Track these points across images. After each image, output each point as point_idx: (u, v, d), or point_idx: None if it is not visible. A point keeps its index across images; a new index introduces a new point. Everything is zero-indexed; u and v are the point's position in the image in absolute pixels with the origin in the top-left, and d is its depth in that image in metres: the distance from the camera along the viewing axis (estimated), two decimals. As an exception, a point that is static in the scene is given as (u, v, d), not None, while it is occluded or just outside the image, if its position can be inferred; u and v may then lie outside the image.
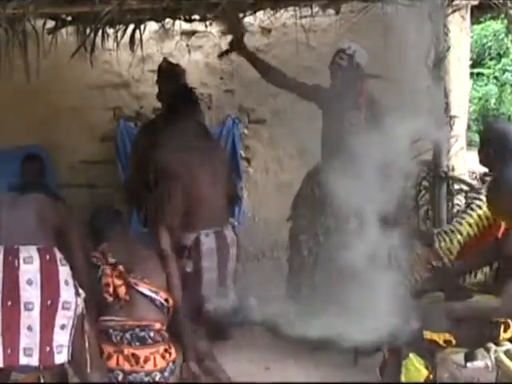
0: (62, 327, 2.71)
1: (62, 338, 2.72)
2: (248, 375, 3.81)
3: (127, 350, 2.87)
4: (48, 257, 2.71)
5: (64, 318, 2.71)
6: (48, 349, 2.69)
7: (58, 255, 2.75)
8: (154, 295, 2.95)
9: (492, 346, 3.18)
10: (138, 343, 2.87)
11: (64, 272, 2.74)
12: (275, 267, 5.58)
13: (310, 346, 3.92)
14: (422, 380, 3.05)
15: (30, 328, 2.65)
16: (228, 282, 3.89)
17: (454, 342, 3.10)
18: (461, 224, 3.60)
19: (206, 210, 3.63)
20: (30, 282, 2.65)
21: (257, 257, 5.63)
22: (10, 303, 2.64)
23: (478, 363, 3.91)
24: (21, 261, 2.66)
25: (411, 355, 3.03)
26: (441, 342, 3.07)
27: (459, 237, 3.60)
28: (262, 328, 4.70)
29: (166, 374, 2.93)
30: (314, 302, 4.17)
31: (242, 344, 4.38)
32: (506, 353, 3.13)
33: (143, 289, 2.94)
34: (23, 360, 2.67)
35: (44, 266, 2.68)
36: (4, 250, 2.68)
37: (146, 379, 2.88)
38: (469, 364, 3.96)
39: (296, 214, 4.35)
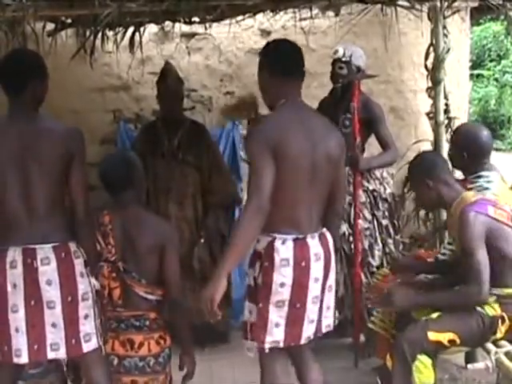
0: (86, 317, 2.81)
1: (87, 326, 2.81)
2: (248, 376, 3.81)
3: (123, 336, 2.92)
4: (63, 254, 2.76)
5: (85, 308, 2.80)
6: (74, 341, 2.77)
7: (72, 248, 2.79)
8: (149, 296, 2.96)
9: (492, 347, 3.18)
10: (133, 330, 2.91)
11: (79, 264, 2.80)
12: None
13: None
14: (433, 380, 3.05)
15: (54, 325, 2.74)
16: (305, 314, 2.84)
17: (458, 341, 3.09)
18: None
19: (288, 208, 2.77)
20: (49, 283, 2.72)
21: (257, 259, 5.63)
22: (33, 303, 2.72)
23: (479, 364, 3.93)
24: (38, 262, 2.72)
25: (420, 357, 3.01)
26: (445, 342, 3.07)
27: None
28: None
29: (161, 359, 2.96)
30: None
31: (243, 347, 4.38)
32: (507, 354, 3.14)
33: (139, 291, 2.94)
34: (51, 354, 2.77)
35: (60, 264, 2.74)
36: (22, 251, 2.72)
37: (141, 364, 2.92)
38: (469, 365, 3.98)
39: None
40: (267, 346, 2.79)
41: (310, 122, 2.82)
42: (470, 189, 3.54)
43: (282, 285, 2.75)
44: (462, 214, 3.12)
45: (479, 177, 3.54)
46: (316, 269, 2.81)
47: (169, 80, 4.46)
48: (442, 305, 3.14)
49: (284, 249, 2.76)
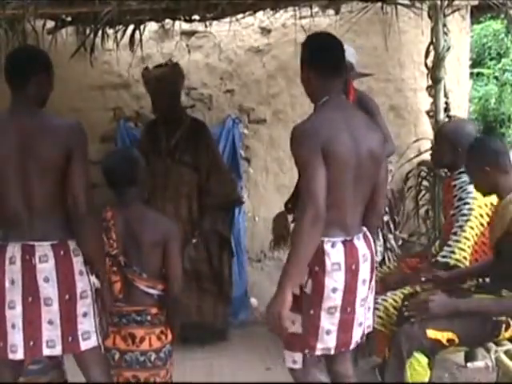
0: (85, 315, 2.80)
1: (86, 324, 2.80)
2: (248, 376, 3.82)
3: (124, 331, 2.92)
4: (62, 252, 2.75)
5: (84, 306, 2.79)
6: (71, 338, 2.77)
7: (72, 246, 2.78)
8: (150, 290, 2.97)
9: (492, 346, 3.17)
10: (134, 324, 2.92)
11: (78, 262, 2.78)
12: (276, 267, 5.59)
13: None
14: (427, 380, 3.03)
15: (50, 322, 2.74)
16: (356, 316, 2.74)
17: (457, 341, 3.08)
18: (464, 231, 3.56)
19: (335, 210, 2.63)
20: (46, 280, 2.72)
21: (258, 257, 5.64)
22: (30, 299, 2.72)
23: (479, 363, 3.93)
24: (37, 259, 2.71)
25: (416, 354, 3.00)
26: (444, 341, 3.05)
27: (468, 243, 3.55)
28: (263, 328, 4.72)
29: (162, 354, 2.96)
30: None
31: (242, 345, 4.39)
32: (507, 353, 3.13)
33: (140, 285, 2.95)
34: (46, 351, 2.77)
35: (59, 262, 2.73)
36: (21, 248, 2.73)
37: (142, 358, 2.92)
38: (469, 364, 3.98)
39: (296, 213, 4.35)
40: (318, 353, 2.71)
41: (353, 120, 2.72)
42: (454, 186, 3.53)
43: (334, 290, 2.63)
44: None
45: (463, 172, 3.51)
46: (364, 270, 2.70)
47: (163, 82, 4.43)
48: (484, 312, 3.04)
49: (335, 252, 2.63)
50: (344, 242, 2.66)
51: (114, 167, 3.04)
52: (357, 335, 2.77)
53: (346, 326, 2.70)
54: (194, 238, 4.41)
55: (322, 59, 2.73)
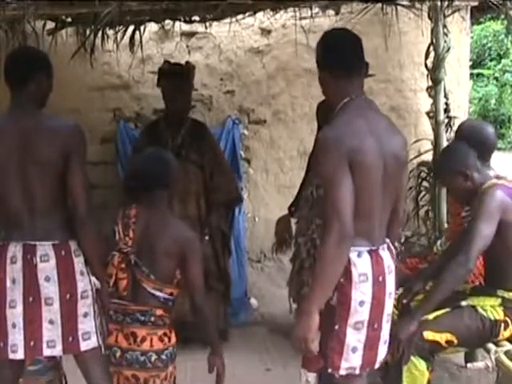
0: (85, 315, 2.82)
1: (87, 325, 2.82)
2: (248, 376, 3.82)
3: (127, 329, 2.91)
4: (63, 252, 2.76)
5: (84, 306, 2.81)
6: (71, 339, 2.78)
7: (73, 247, 2.80)
8: (157, 293, 2.96)
9: (492, 346, 3.18)
10: (138, 324, 2.91)
11: (79, 263, 2.81)
12: (276, 268, 5.59)
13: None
14: (425, 383, 3.03)
15: (51, 322, 2.75)
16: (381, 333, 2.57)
17: (455, 342, 3.08)
18: None
19: (361, 219, 2.45)
20: (47, 279, 2.73)
21: (257, 257, 5.64)
22: (31, 299, 2.73)
23: (478, 364, 3.93)
24: (38, 259, 2.73)
25: (413, 358, 2.98)
26: (443, 343, 3.05)
27: None
28: (263, 329, 4.72)
29: (164, 356, 2.93)
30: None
31: (242, 345, 4.39)
32: (507, 353, 3.13)
33: (147, 286, 2.94)
34: (47, 351, 2.78)
35: (60, 262, 2.75)
36: (23, 247, 2.74)
37: (142, 358, 2.90)
38: (469, 364, 3.98)
39: (298, 216, 4.36)
40: (342, 372, 2.49)
41: (377, 123, 2.52)
42: None
43: (362, 303, 2.44)
44: (489, 188, 3.07)
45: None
46: (390, 283, 2.52)
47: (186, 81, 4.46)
48: (438, 300, 3.01)
49: (361, 262, 2.44)
50: (370, 252, 2.48)
51: (150, 166, 2.99)
52: (382, 354, 2.59)
53: (372, 343, 2.51)
54: (205, 235, 4.41)
55: (337, 59, 2.56)
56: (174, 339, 3.00)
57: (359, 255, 2.45)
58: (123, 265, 2.90)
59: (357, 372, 2.52)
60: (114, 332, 2.92)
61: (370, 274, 2.45)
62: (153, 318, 2.94)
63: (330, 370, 2.50)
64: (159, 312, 2.96)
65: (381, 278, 2.48)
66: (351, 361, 2.48)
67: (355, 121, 2.47)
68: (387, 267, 2.52)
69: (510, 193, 3.08)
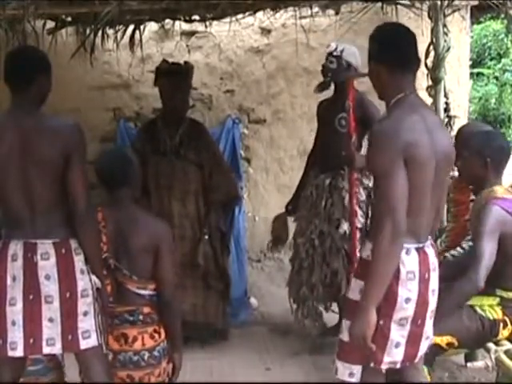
0: (85, 314, 2.80)
1: (86, 323, 2.81)
2: (248, 376, 3.82)
3: (116, 331, 2.93)
4: (64, 250, 2.77)
5: (84, 304, 2.80)
6: (70, 337, 2.77)
7: (73, 245, 2.80)
8: (141, 291, 2.97)
9: (492, 346, 3.18)
10: (127, 324, 2.92)
11: (79, 261, 2.80)
12: (276, 267, 5.60)
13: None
14: None
15: (51, 320, 2.75)
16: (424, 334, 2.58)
17: (456, 344, 3.08)
18: None
19: (411, 216, 2.43)
20: (47, 277, 2.74)
21: (257, 257, 5.65)
22: (31, 297, 2.74)
23: (478, 363, 3.93)
24: (38, 257, 2.74)
25: None
26: (444, 346, 3.06)
27: None
28: (262, 328, 4.72)
29: (156, 353, 2.95)
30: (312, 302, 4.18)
31: (242, 345, 4.39)
32: (506, 353, 3.13)
33: (131, 287, 2.95)
34: (46, 349, 2.78)
35: (60, 260, 2.75)
36: (23, 245, 2.75)
37: (135, 358, 2.92)
38: (469, 364, 3.98)
39: (298, 216, 4.37)
40: (384, 367, 2.52)
41: (429, 120, 2.51)
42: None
43: (408, 300, 2.45)
44: (486, 204, 3.09)
45: None
46: (434, 280, 2.53)
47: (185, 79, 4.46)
48: (445, 314, 2.95)
49: (409, 260, 2.44)
50: (417, 250, 2.48)
51: (107, 166, 3.03)
52: (423, 349, 2.61)
53: (415, 338, 2.53)
54: (204, 234, 4.41)
55: (396, 54, 2.50)
56: (163, 335, 3.01)
57: (407, 252, 2.45)
58: (104, 271, 2.91)
59: (398, 366, 2.55)
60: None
61: (417, 272, 2.46)
62: (141, 317, 2.95)
63: (372, 364, 2.52)
64: (146, 310, 2.97)
65: (426, 276, 2.49)
66: (394, 356, 2.50)
67: (411, 116, 2.45)
68: (432, 264, 2.53)
69: (506, 205, 3.11)
